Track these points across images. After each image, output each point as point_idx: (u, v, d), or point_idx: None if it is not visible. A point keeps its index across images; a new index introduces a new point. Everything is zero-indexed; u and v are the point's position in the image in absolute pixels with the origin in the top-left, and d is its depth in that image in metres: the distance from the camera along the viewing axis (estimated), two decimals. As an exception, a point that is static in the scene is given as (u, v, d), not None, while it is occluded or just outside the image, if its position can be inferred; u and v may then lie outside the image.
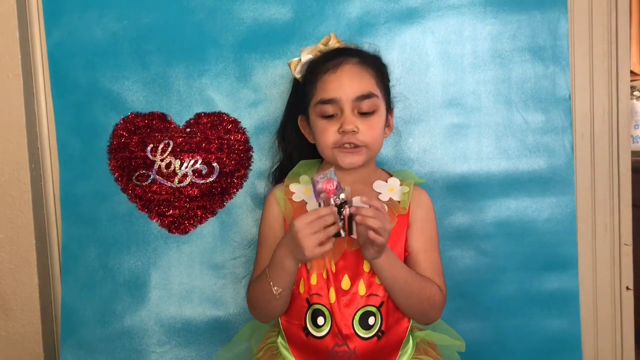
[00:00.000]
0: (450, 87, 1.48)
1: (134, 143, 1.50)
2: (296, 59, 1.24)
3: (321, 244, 1.00)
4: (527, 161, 1.49)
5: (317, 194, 1.01)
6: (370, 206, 1.00)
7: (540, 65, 1.48)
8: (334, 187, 1.00)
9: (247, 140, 1.50)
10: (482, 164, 1.49)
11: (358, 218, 0.99)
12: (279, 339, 1.21)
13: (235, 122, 1.50)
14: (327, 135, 1.14)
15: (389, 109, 1.23)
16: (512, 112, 1.48)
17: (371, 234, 1.00)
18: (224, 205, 1.51)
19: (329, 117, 1.14)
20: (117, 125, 1.51)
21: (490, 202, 1.49)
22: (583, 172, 1.52)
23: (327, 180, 1.00)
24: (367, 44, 1.26)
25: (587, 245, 1.53)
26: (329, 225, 0.99)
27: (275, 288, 1.09)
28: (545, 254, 1.49)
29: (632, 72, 2.77)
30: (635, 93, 3.03)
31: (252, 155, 1.50)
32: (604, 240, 1.53)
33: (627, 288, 1.54)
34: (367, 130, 1.13)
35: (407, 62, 1.47)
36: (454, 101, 1.48)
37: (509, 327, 1.50)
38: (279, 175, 1.35)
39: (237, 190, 1.51)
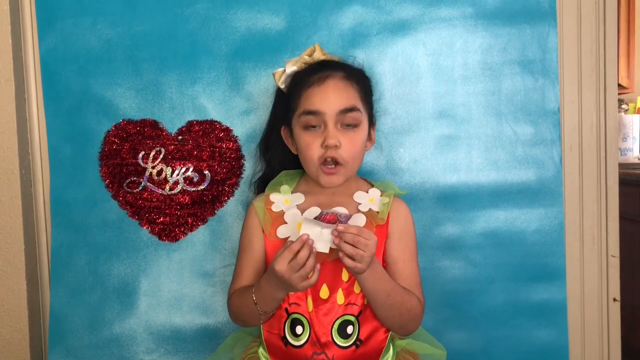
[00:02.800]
0: (440, 99, 1.50)
1: (125, 150, 1.50)
2: (280, 69, 1.25)
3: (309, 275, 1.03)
4: (516, 173, 1.50)
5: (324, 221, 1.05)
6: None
7: (530, 78, 1.49)
8: (335, 219, 1.04)
9: (238, 149, 1.51)
10: (471, 175, 1.50)
11: (336, 241, 1.01)
12: (261, 349, 1.21)
13: (227, 130, 1.50)
14: (312, 150, 1.15)
15: (371, 122, 1.25)
16: (502, 124, 1.50)
17: (346, 260, 1.01)
18: (214, 213, 1.51)
19: (312, 129, 1.15)
20: (108, 131, 1.51)
21: (480, 213, 1.50)
22: (571, 184, 1.53)
23: (329, 216, 1.06)
24: (351, 57, 1.28)
25: (574, 257, 1.54)
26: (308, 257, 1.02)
27: (263, 312, 1.12)
28: (533, 265, 1.51)
29: (620, 85, 2.81)
30: (624, 106, 3.07)
31: (243, 164, 1.51)
32: (591, 251, 1.55)
33: (614, 299, 1.55)
34: (349, 146, 1.15)
35: (398, 73, 1.49)
36: (444, 112, 1.50)
37: (497, 337, 1.51)
38: (260, 184, 1.36)
39: (229, 198, 1.51)
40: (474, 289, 1.50)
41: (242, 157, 1.50)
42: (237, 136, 1.50)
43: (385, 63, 1.49)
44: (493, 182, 1.50)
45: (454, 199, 1.50)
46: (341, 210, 1.16)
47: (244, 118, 1.50)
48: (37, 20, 1.52)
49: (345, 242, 1.00)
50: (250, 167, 1.50)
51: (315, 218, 1.05)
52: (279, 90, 1.29)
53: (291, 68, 1.23)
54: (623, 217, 1.57)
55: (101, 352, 1.51)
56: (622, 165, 2.22)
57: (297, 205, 1.21)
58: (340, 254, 1.02)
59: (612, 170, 1.53)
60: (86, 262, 1.52)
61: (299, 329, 1.13)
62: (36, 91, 1.55)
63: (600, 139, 1.53)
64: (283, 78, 1.24)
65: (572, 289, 1.54)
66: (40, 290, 1.58)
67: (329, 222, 1.04)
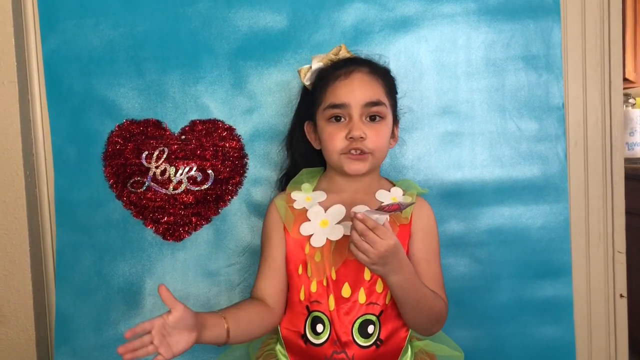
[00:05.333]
0: (444, 95, 1.49)
1: (129, 150, 1.50)
2: (306, 66, 1.25)
3: None
4: (520, 169, 1.49)
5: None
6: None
7: (534, 73, 1.48)
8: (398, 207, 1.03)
9: (242, 148, 1.50)
10: (476, 171, 1.49)
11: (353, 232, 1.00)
12: (278, 346, 1.21)
13: (230, 130, 1.50)
14: (335, 141, 1.14)
15: (395, 120, 1.24)
16: (506, 120, 1.49)
17: (352, 247, 1.01)
18: (218, 212, 1.51)
19: (338, 121, 1.15)
20: (112, 132, 1.51)
21: (484, 210, 1.49)
22: (576, 180, 1.52)
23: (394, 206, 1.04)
24: (377, 56, 1.27)
25: (580, 253, 1.53)
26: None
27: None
28: (539, 262, 1.50)
29: (627, 80, 2.79)
30: (631, 100, 3.04)
31: (247, 163, 1.50)
32: (597, 247, 1.54)
33: (621, 295, 1.54)
34: (374, 137, 1.14)
35: (401, 70, 1.48)
36: (448, 109, 1.49)
37: (504, 334, 1.50)
38: (286, 182, 1.34)
39: (232, 197, 1.51)
40: (479, 286, 1.50)
41: (245, 156, 1.50)
42: (240, 135, 1.50)
43: (388, 60, 1.47)
44: (497, 179, 1.49)
45: (458, 196, 1.49)
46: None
47: (247, 117, 1.50)
48: (40, 21, 1.52)
49: (355, 230, 1.00)
50: (253, 166, 1.50)
51: (378, 209, 1.03)
52: (304, 88, 1.29)
53: (317, 64, 1.23)
54: (629, 213, 1.56)
55: (107, 352, 1.51)
56: (628, 160, 2.21)
57: (318, 202, 1.20)
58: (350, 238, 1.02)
59: (617, 165, 1.52)
60: (91, 262, 1.53)
61: (319, 327, 1.13)
62: (39, 92, 1.55)
63: (605, 134, 1.52)
64: (309, 75, 1.24)
65: (578, 285, 1.53)
66: (46, 291, 1.59)
67: (391, 210, 1.03)
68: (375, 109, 1.14)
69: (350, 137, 1.12)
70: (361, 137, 1.12)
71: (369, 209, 1.14)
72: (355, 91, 1.14)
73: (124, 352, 0.91)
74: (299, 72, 1.26)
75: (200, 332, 1.00)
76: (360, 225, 0.98)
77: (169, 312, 0.96)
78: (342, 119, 1.15)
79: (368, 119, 1.15)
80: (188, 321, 0.97)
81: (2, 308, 1.54)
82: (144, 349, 0.93)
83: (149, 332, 0.94)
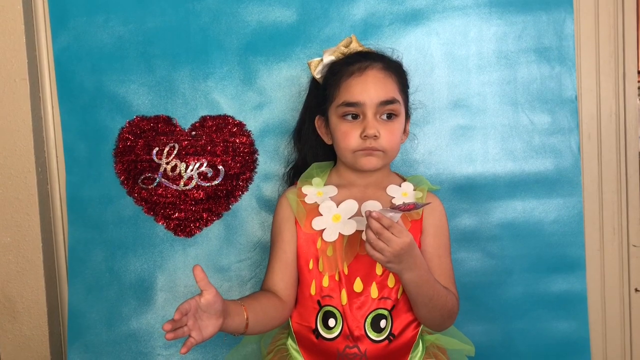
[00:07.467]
0: (455, 89, 1.48)
1: (139, 146, 1.51)
2: (317, 59, 1.25)
3: None
4: (533, 162, 1.48)
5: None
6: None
7: (546, 66, 1.47)
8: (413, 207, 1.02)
9: (252, 143, 1.50)
10: (488, 165, 1.48)
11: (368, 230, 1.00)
12: (289, 341, 1.21)
13: (241, 125, 1.50)
14: (349, 139, 1.14)
15: (407, 115, 1.23)
16: (518, 113, 1.48)
17: (367, 247, 1.00)
18: (229, 208, 1.51)
19: (351, 119, 1.14)
20: (122, 128, 1.51)
21: (497, 204, 1.48)
22: (590, 173, 1.51)
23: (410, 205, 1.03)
24: (389, 50, 1.26)
25: (594, 247, 1.52)
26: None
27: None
28: (552, 256, 1.49)
29: (640, 73, 2.75)
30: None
31: (257, 158, 1.50)
32: (612, 241, 1.52)
33: (636, 290, 1.53)
34: (388, 136, 1.14)
35: (412, 63, 1.47)
36: (459, 103, 1.48)
37: (517, 329, 1.50)
38: (294, 175, 1.35)
39: (243, 193, 1.51)
40: (492, 281, 1.49)
41: (255, 151, 1.50)
42: (250, 131, 1.50)
43: (401, 55, 1.47)
44: (510, 173, 1.48)
45: (470, 190, 1.48)
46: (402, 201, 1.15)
47: (257, 112, 1.50)
48: (51, 19, 1.53)
49: (370, 229, 0.99)
50: (264, 162, 1.50)
51: (394, 207, 1.03)
52: (313, 80, 1.28)
53: (329, 58, 1.22)
54: (644, 206, 1.54)
55: (119, 348, 1.52)
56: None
57: (330, 197, 1.20)
58: (364, 237, 1.01)
59: (632, 158, 1.51)
60: (103, 258, 1.53)
61: (331, 322, 1.13)
62: (50, 90, 1.55)
63: (619, 127, 1.51)
64: (319, 68, 1.23)
65: (592, 279, 1.52)
66: (59, 287, 1.60)
67: (406, 210, 1.02)
68: (389, 107, 1.14)
69: (365, 136, 1.12)
70: (375, 136, 1.12)
71: (381, 206, 1.14)
72: (370, 89, 1.13)
73: (169, 329, 0.90)
74: (309, 64, 1.25)
75: (224, 319, 1.00)
76: (375, 224, 0.98)
77: (201, 294, 0.95)
78: (357, 117, 1.14)
79: (384, 116, 1.14)
80: (218, 306, 0.96)
81: (16, 304, 1.55)
82: (181, 330, 0.93)
83: (186, 314, 0.93)
